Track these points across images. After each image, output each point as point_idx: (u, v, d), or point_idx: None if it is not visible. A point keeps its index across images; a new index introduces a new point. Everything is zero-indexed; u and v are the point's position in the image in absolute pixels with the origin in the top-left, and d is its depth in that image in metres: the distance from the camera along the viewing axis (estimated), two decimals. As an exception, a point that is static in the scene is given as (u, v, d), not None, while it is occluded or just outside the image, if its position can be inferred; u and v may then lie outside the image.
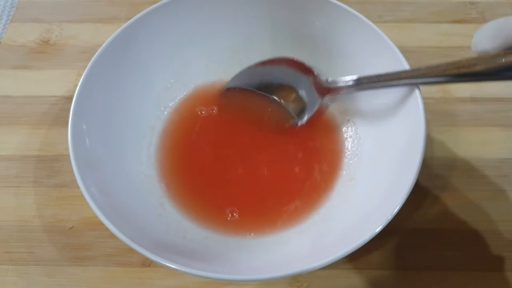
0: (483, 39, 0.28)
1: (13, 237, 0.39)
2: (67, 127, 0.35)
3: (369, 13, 0.52)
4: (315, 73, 0.42)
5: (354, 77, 0.39)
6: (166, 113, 0.44)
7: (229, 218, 0.38)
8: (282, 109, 0.43)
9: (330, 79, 0.41)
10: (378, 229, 0.30)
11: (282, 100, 0.43)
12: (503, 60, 0.28)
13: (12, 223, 0.40)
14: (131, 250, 0.30)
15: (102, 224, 0.31)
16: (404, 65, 0.37)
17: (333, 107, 0.44)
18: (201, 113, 0.44)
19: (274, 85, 0.43)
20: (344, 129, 0.42)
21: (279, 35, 0.45)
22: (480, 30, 0.29)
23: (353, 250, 0.30)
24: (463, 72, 0.30)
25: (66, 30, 0.52)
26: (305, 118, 0.43)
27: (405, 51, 0.38)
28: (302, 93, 0.43)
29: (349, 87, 0.39)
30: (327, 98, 0.42)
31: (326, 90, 0.41)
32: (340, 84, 0.40)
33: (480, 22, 0.52)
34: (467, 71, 0.30)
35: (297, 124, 0.43)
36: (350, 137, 0.42)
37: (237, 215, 0.39)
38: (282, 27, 0.44)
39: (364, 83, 0.38)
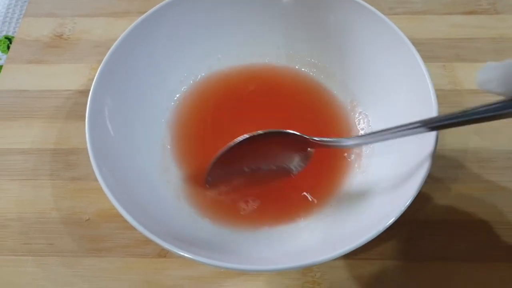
0: (492, 82, 0.27)
1: (32, 229, 0.40)
2: (82, 120, 0.36)
3: (380, 5, 0.52)
4: (297, 134, 0.38)
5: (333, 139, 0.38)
6: (180, 105, 0.44)
7: (244, 211, 0.39)
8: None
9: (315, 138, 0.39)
10: (391, 220, 0.30)
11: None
12: None
13: (30, 215, 0.41)
14: (147, 241, 0.31)
15: (118, 216, 0.31)
16: (416, 57, 0.37)
17: (346, 100, 0.44)
18: (215, 105, 0.45)
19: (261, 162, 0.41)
20: (356, 121, 0.43)
21: (291, 28, 0.45)
22: (484, 70, 0.27)
23: (366, 242, 0.30)
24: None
25: (79, 24, 0.53)
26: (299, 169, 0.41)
27: (417, 43, 0.38)
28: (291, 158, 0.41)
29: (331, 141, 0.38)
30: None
31: (308, 144, 0.39)
32: (322, 141, 0.38)
33: (491, 13, 0.51)
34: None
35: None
36: (363, 129, 0.42)
37: (252, 208, 0.39)
38: (294, 21, 0.45)
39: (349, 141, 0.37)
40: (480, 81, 0.28)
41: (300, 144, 0.39)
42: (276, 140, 0.39)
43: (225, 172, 0.40)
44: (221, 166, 0.39)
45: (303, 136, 0.38)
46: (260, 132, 0.38)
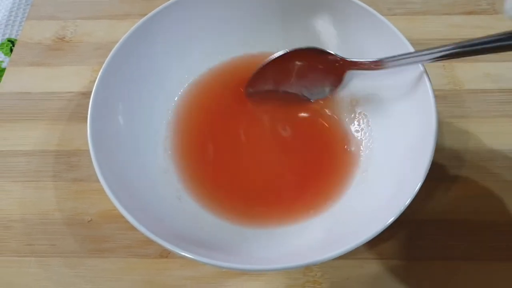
0: None
1: (35, 230, 0.40)
2: (84, 122, 0.36)
3: (379, 6, 0.53)
4: (332, 53, 0.42)
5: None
6: (181, 106, 0.44)
7: (245, 210, 0.39)
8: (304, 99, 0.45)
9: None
10: (390, 220, 0.31)
11: (304, 93, 0.44)
12: None
13: (33, 216, 0.41)
14: (149, 242, 0.31)
15: (120, 216, 0.32)
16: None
17: (345, 99, 0.44)
18: (216, 105, 0.45)
19: (293, 80, 0.44)
20: (356, 121, 0.43)
21: (290, 28, 0.45)
22: None
23: (366, 241, 0.30)
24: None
25: (81, 27, 0.53)
26: (327, 93, 0.44)
27: (416, 44, 0.38)
28: (324, 79, 0.43)
29: (367, 63, 0.40)
30: (346, 76, 0.43)
31: (345, 65, 0.42)
32: (357, 60, 0.41)
33: (491, 13, 0.52)
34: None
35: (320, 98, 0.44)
36: (362, 129, 0.42)
37: (253, 207, 0.39)
38: (293, 21, 0.45)
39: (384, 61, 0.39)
40: (507, 7, 0.29)
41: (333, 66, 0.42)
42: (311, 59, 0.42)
43: (262, 87, 0.44)
44: (260, 78, 0.43)
45: (337, 56, 0.41)
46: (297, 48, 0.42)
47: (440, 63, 0.48)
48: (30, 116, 0.47)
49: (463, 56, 0.34)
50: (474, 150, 0.43)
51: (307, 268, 0.38)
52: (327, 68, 0.42)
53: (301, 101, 0.45)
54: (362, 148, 0.41)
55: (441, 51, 0.35)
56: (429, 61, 0.36)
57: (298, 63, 0.43)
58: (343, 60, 0.41)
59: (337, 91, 0.44)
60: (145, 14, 0.41)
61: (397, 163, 0.37)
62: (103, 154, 0.35)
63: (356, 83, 0.43)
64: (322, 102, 0.44)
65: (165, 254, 0.39)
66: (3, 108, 0.47)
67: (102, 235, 0.40)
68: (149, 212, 0.35)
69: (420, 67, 0.37)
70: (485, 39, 0.32)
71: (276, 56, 0.42)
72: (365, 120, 0.42)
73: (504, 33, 0.30)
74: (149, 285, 0.38)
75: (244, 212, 0.39)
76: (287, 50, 0.42)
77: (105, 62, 0.38)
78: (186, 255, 0.30)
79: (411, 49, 0.38)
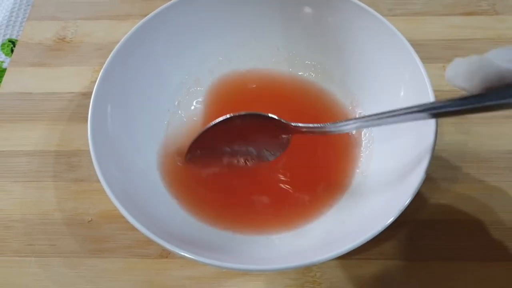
0: (458, 77, 0.28)
1: (35, 230, 0.41)
2: (85, 122, 0.36)
3: (379, 6, 0.53)
4: (275, 118, 0.39)
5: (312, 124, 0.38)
6: (180, 108, 0.45)
7: (244, 216, 0.39)
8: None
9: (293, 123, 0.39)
10: (389, 220, 0.31)
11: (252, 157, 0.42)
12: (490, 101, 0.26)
13: (34, 216, 0.41)
14: (149, 242, 0.31)
15: (120, 217, 0.32)
16: (414, 58, 0.37)
17: (346, 101, 0.44)
18: (216, 106, 0.45)
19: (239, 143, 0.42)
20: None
21: (290, 29, 0.45)
22: (452, 66, 0.28)
23: (365, 242, 0.30)
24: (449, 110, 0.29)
25: (82, 27, 0.53)
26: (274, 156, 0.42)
27: (416, 44, 0.38)
28: (270, 144, 0.41)
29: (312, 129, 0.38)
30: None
31: (290, 130, 0.39)
32: (302, 127, 0.38)
33: (491, 14, 0.52)
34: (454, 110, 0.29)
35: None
36: (363, 131, 0.42)
37: (252, 212, 0.40)
38: (293, 22, 0.45)
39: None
40: (448, 76, 0.28)
41: (280, 130, 0.39)
42: (257, 124, 0.39)
43: (205, 152, 0.41)
44: (201, 145, 0.40)
45: (283, 122, 0.38)
46: (241, 113, 0.39)
47: (440, 64, 0.48)
48: (30, 117, 0.47)
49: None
50: (474, 150, 0.43)
51: (307, 268, 0.38)
52: (272, 133, 0.40)
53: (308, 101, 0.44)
54: (362, 149, 0.41)
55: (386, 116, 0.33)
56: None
57: (241, 128, 0.40)
58: (286, 125, 0.39)
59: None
60: (146, 15, 0.41)
61: (396, 164, 0.37)
62: (104, 155, 0.35)
63: (356, 85, 0.43)
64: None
65: (165, 254, 0.39)
66: (4, 109, 0.48)
67: (102, 235, 0.40)
68: (149, 212, 0.35)
69: (420, 68, 0.37)
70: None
71: (217, 122, 0.39)
72: (365, 121, 0.42)
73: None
74: (149, 285, 0.38)
75: (243, 218, 0.39)
76: (229, 115, 0.39)
77: (106, 63, 0.38)
78: (186, 255, 0.30)
79: (411, 50, 0.38)
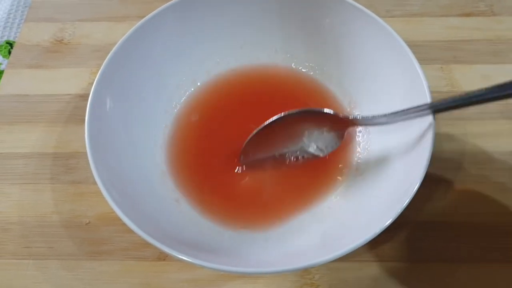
0: None
1: (33, 232, 0.40)
2: (82, 124, 0.36)
3: (377, 8, 0.53)
4: (332, 112, 0.39)
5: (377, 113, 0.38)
6: (179, 109, 0.45)
7: (241, 214, 0.39)
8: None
9: (350, 115, 0.40)
10: (388, 222, 0.31)
11: (304, 155, 0.42)
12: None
13: (31, 218, 0.41)
14: (147, 244, 0.31)
15: (117, 219, 0.32)
16: (411, 59, 0.37)
17: (344, 102, 0.44)
18: (214, 108, 0.45)
19: (292, 142, 0.42)
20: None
21: (288, 31, 0.45)
22: None
23: (364, 243, 0.30)
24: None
25: (79, 29, 0.53)
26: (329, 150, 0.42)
27: (413, 45, 0.38)
28: (322, 138, 0.41)
29: (370, 120, 0.38)
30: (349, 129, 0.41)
31: (346, 123, 0.40)
32: (360, 118, 0.39)
33: (488, 15, 0.52)
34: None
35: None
36: (360, 131, 0.42)
37: (249, 211, 0.40)
38: (291, 24, 0.45)
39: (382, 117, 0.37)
40: None
41: (333, 124, 0.40)
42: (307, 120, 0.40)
43: (256, 154, 0.42)
44: (253, 146, 0.41)
45: (337, 116, 0.39)
46: (293, 111, 0.39)
47: (438, 65, 0.48)
48: (28, 119, 0.47)
49: (468, 106, 0.34)
50: (472, 152, 0.43)
51: (305, 271, 0.38)
52: (327, 127, 0.40)
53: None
54: (359, 150, 0.41)
55: (442, 104, 0.34)
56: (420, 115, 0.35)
57: (293, 127, 0.41)
58: (342, 119, 0.39)
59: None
60: (143, 16, 0.41)
61: (394, 165, 0.37)
62: (101, 157, 0.35)
63: (354, 86, 0.43)
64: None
65: (163, 256, 0.39)
66: (1, 111, 0.47)
67: (100, 238, 0.40)
68: (147, 215, 0.35)
69: (417, 70, 0.37)
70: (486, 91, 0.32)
71: (270, 121, 0.39)
72: (363, 123, 0.42)
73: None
74: (146, 287, 0.38)
75: (241, 217, 0.39)
76: (282, 114, 0.39)
77: (103, 64, 0.38)
78: (184, 258, 0.30)
79: (408, 52, 0.37)
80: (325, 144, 0.41)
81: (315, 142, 0.41)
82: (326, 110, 0.39)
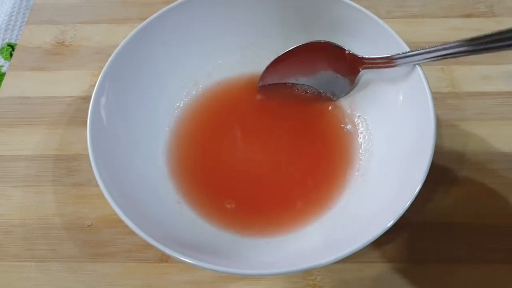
0: None
1: (35, 234, 0.41)
2: (84, 126, 0.36)
3: (378, 9, 0.53)
4: (346, 50, 0.41)
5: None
6: (179, 111, 0.45)
7: (242, 217, 0.39)
8: (318, 93, 0.45)
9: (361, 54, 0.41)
10: (389, 223, 0.31)
11: (318, 87, 0.45)
12: None
13: (33, 221, 0.41)
14: (149, 246, 0.31)
15: (119, 221, 0.32)
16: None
17: (344, 103, 0.44)
18: (216, 110, 0.45)
19: (307, 73, 0.45)
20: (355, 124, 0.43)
21: (289, 32, 0.45)
22: None
23: (366, 245, 0.30)
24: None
25: (80, 31, 0.53)
26: (344, 93, 0.44)
27: (415, 46, 0.38)
28: (337, 73, 0.43)
29: (382, 60, 0.39)
30: (362, 72, 0.42)
31: (360, 63, 0.41)
32: (373, 58, 0.40)
33: (489, 16, 0.52)
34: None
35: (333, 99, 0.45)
36: (361, 132, 0.42)
37: (250, 214, 0.40)
38: (292, 25, 0.45)
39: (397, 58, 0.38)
40: None
41: (347, 64, 0.42)
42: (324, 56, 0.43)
43: (273, 78, 0.45)
44: (271, 71, 0.44)
45: (352, 54, 0.41)
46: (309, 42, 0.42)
47: (439, 66, 0.48)
48: (29, 121, 0.47)
49: (476, 53, 0.34)
50: (473, 153, 0.43)
51: (307, 272, 0.38)
52: (341, 65, 0.42)
53: (308, 103, 0.45)
54: (361, 151, 0.41)
55: (452, 47, 0.36)
56: (439, 58, 0.36)
57: (312, 56, 0.43)
58: (357, 57, 0.41)
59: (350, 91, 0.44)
60: (145, 18, 0.41)
61: (396, 166, 0.37)
62: (103, 159, 0.35)
63: (356, 88, 0.43)
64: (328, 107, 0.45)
65: (165, 258, 0.39)
66: (3, 113, 0.48)
67: (102, 240, 0.40)
68: (149, 217, 0.35)
69: (418, 71, 0.37)
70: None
71: (291, 49, 0.43)
72: (364, 124, 0.42)
73: None
74: (149, 289, 0.38)
75: (242, 220, 0.39)
76: (302, 43, 0.42)
77: (105, 67, 0.38)
78: (186, 260, 0.30)
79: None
80: (338, 88, 0.44)
81: (327, 83, 0.44)
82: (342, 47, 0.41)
